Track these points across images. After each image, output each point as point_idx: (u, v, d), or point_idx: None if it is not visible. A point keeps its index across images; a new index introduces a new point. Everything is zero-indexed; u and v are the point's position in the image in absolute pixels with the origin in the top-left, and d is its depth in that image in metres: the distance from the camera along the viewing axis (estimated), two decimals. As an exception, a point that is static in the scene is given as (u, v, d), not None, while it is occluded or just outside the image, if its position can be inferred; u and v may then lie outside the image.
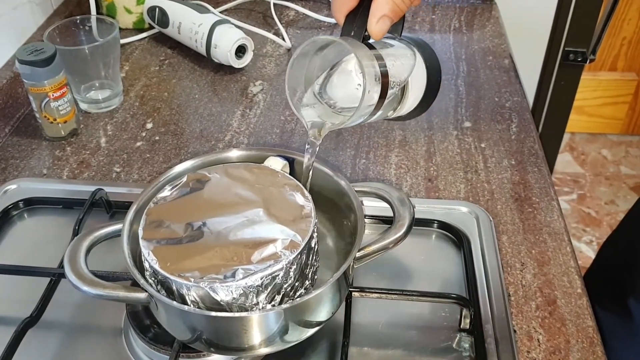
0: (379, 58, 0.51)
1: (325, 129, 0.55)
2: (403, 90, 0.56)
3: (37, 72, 0.76)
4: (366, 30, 0.50)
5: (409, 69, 0.55)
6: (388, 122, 0.85)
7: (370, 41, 0.53)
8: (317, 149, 0.56)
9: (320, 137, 0.56)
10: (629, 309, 0.79)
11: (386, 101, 0.52)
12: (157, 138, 0.83)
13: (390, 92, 0.52)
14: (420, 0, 0.53)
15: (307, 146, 0.57)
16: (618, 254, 0.90)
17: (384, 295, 0.59)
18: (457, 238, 0.68)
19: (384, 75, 0.51)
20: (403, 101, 0.57)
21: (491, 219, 0.69)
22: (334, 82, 0.56)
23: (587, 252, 1.82)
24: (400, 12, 0.49)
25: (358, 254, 0.54)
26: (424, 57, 0.57)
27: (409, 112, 0.59)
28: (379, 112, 0.54)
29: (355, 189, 0.58)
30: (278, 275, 0.48)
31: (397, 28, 0.55)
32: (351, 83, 0.55)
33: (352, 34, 0.51)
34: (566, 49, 1.26)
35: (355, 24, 0.50)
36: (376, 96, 0.51)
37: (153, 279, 0.51)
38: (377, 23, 0.49)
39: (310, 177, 0.58)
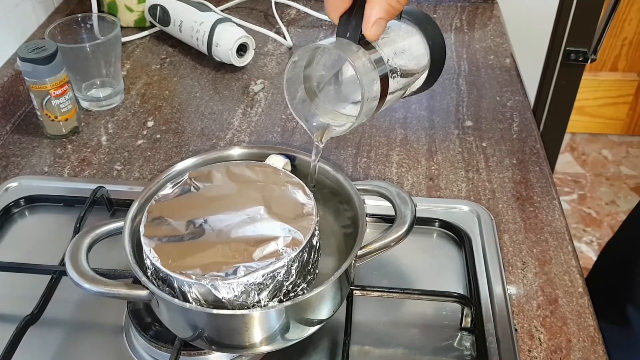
0: (378, 61, 0.50)
1: (329, 133, 0.55)
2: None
3: (39, 69, 0.76)
4: (361, 33, 0.50)
5: (411, 55, 0.54)
6: (390, 121, 0.85)
7: None
8: (321, 151, 0.56)
9: (323, 141, 0.56)
10: (627, 317, 0.79)
11: (388, 97, 0.52)
12: (158, 136, 0.83)
13: (392, 86, 0.51)
14: None
15: (313, 149, 0.57)
16: (615, 262, 0.89)
17: (385, 294, 0.59)
18: (458, 237, 0.68)
19: (383, 78, 0.50)
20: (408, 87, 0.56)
21: (492, 217, 0.69)
22: (346, 75, 0.55)
23: (588, 253, 1.82)
24: (395, 12, 0.49)
25: (359, 252, 0.54)
26: (426, 34, 0.55)
27: (413, 91, 0.58)
28: (384, 106, 0.53)
29: (357, 187, 0.58)
30: (279, 272, 0.48)
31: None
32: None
33: (348, 35, 0.50)
34: (567, 48, 1.26)
35: (350, 24, 0.50)
36: (376, 99, 0.50)
37: (154, 276, 0.51)
38: (372, 27, 0.48)
39: (314, 177, 0.58)
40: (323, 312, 0.52)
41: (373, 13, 0.48)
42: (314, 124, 0.56)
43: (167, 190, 0.56)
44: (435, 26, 0.56)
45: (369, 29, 0.48)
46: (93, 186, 0.70)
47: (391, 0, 0.48)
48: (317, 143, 0.56)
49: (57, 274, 0.61)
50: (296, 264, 0.49)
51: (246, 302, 0.48)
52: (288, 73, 0.52)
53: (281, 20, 1.06)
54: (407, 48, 0.54)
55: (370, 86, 0.49)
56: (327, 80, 0.56)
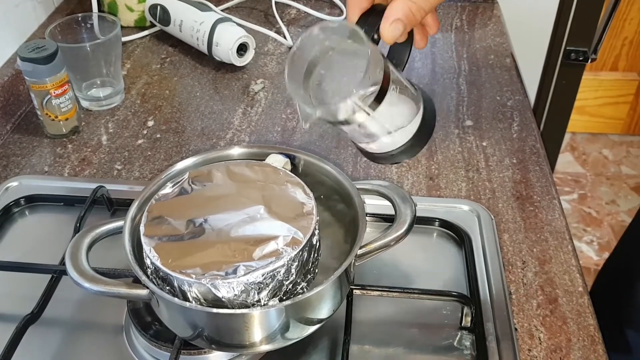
0: (384, 57, 0.51)
1: (314, 117, 0.54)
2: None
3: (39, 69, 0.76)
4: (376, 32, 0.50)
5: (406, 94, 0.54)
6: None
7: None
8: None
9: (306, 127, 0.54)
10: (627, 340, 0.79)
11: (382, 106, 0.51)
12: (158, 136, 0.83)
13: (389, 92, 0.51)
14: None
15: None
16: (614, 284, 0.89)
17: (385, 293, 0.59)
18: (458, 236, 0.68)
19: (386, 71, 0.50)
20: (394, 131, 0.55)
21: (492, 217, 0.69)
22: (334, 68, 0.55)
23: (588, 252, 1.82)
24: (413, 20, 0.50)
25: (359, 252, 0.54)
26: (423, 96, 0.55)
27: (399, 149, 0.56)
28: (374, 123, 0.52)
29: (357, 186, 0.58)
30: (279, 272, 0.48)
31: (401, 60, 0.55)
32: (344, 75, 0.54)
33: (363, 31, 0.51)
34: (568, 48, 1.26)
35: (367, 23, 0.51)
36: (375, 85, 0.50)
37: (154, 275, 0.51)
38: (390, 25, 0.50)
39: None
40: (323, 311, 0.52)
41: (393, 13, 0.50)
42: (304, 110, 0.54)
43: (167, 189, 0.56)
44: (430, 97, 0.56)
45: (386, 27, 0.50)
46: (93, 186, 0.70)
47: (412, 5, 0.49)
48: (303, 125, 0.55)
49: (57, 273, 0.61)
50: (296, 263, 0.49)
51: (246, 301, 0.48)
52: (297, 49, 0.51)
53: (281, 20, 1.06)
54: (404, 87, 0.54)
55: (374, 68, 0.49)
56: (323, 79, 0.55)
